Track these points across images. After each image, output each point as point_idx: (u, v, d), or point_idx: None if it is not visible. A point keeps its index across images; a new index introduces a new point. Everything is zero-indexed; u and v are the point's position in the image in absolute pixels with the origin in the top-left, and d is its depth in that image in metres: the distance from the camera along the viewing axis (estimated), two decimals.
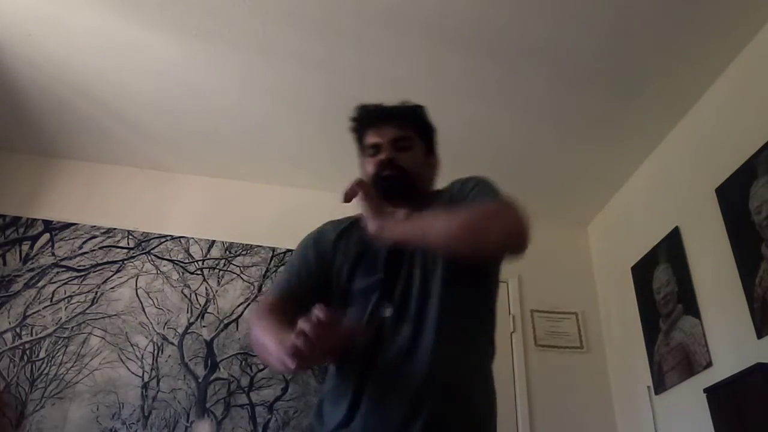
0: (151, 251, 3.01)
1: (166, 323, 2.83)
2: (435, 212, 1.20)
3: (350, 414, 1.11)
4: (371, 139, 1.35)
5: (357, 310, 1.21)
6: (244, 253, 3.09)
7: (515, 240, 1.11)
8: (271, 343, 1.09)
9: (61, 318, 2.75)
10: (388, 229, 1.18)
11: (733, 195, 2.32)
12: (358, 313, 1.21)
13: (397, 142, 1.33)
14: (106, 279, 2.89)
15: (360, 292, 1.24)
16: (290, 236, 1.64)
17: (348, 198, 1.18)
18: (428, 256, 1.21)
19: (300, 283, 1.32)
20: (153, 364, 2.72)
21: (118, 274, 2.91)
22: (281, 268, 2.70)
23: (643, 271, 2.90)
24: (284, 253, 3.07)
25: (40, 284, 2.80)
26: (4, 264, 2.81)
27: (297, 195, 3.25)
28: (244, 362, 2.80)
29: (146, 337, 2.78)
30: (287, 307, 1.24)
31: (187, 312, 2.88)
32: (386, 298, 1.19)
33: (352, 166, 1.44)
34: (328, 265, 1.31)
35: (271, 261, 3.07)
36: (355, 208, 1.24)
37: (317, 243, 1.36)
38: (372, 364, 1.13)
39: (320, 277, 1.31)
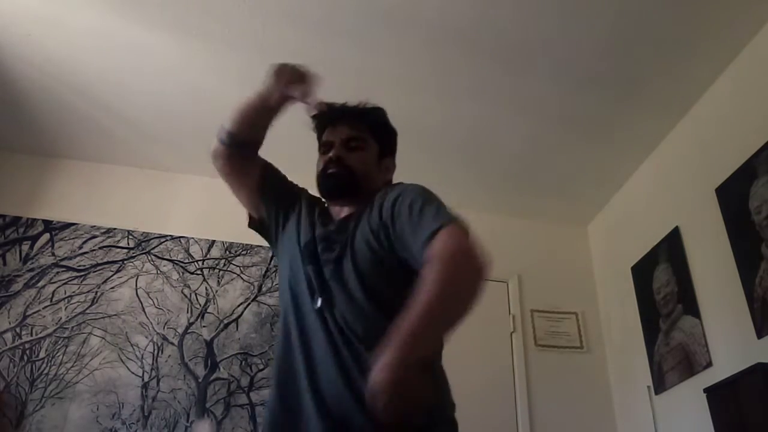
0: (151, 251, 3.01)
1: (166, 323, 2.83)
2: (408, 312, 0.94)
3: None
4: (326, 137, 1.37)
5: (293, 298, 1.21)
6: (244, 253, 3.09)
7: (482, 278, 1.01)
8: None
9: (61, 318, 2.75)
10: (394, 365, 0.88)
11: (733, 195, 2.32)
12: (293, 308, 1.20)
13: (349, 141, 1.33)
14: (106, 279, 2.88)
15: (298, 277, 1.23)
16: None
17: None
18: (351, 256, 1.17)
19: (276, 178, 1.42)
20: (153, 364, 2.72)
21: (118, 274, 2.91)
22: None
23: (643, 271, 2.90)
24: None
25: (40, 284, 2.80)
26: (4, 264, 2.81)
27: None
28: (244, 362, 2.80)
29: (146, 337, 2.78)
30: (257, 160, 1.41)
31: (187, 312, 2.88)
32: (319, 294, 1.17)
33: None
34: (283, 216, 1.37)
35: (271, 261, 3.07)
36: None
37: (305, 197, 1.41)
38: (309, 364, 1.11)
39: (277, 207, 1.38)
